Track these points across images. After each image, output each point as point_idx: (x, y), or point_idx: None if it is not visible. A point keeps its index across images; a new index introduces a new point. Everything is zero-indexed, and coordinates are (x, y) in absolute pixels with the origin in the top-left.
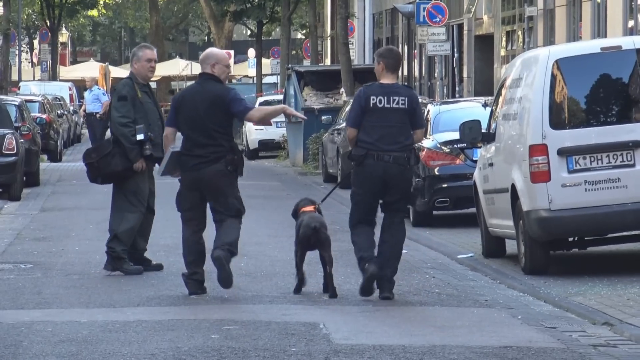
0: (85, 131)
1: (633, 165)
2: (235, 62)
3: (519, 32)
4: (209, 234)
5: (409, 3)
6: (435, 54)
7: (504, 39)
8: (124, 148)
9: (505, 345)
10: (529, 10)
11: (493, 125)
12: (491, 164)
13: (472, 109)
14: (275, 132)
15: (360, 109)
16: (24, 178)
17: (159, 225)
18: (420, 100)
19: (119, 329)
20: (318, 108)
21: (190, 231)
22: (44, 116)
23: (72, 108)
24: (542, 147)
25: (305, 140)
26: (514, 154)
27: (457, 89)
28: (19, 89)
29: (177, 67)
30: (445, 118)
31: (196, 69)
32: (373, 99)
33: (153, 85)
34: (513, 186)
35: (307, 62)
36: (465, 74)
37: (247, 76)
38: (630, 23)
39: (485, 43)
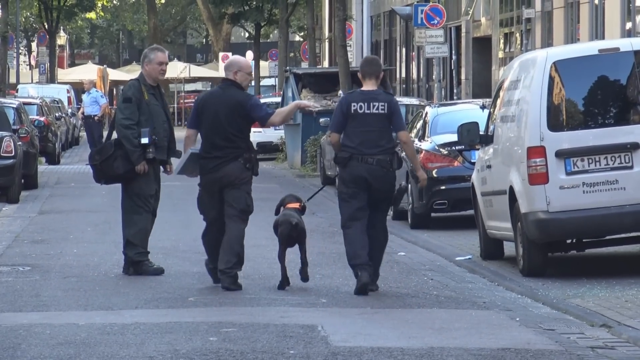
0: (83, 134)
1: (631, 167)
2: None
3: (517, 34)
4: None
5: (407, 5)
6: (433, 56)
7: (501, 41)
8: (126, 150)
9: (503, 347)
10: (526, 12)
11: (491, 128)
12: (489, 166)
13: (470, 111)
14: (273, 134)
15: (342, 115)
16: (22, 181)
17: (157, 228)
18: (418, 102)
19: (117, 331)
20: (316, 110)
21: (211, 234)
22: (42, 119)
23: (70, 110)
24: (540, 149)
25: (304, 143)
26: (512, 156)
27: (455, 91)
28: (17, 91)
29: (176, 70)
30: (444, 120)
31: (194, 71)
32: (354, 106)
33: None
34: (511, 188)
35: (305, 65)
36: (463, 76)
37: None
38: (628, 25)
39: (483, 45)
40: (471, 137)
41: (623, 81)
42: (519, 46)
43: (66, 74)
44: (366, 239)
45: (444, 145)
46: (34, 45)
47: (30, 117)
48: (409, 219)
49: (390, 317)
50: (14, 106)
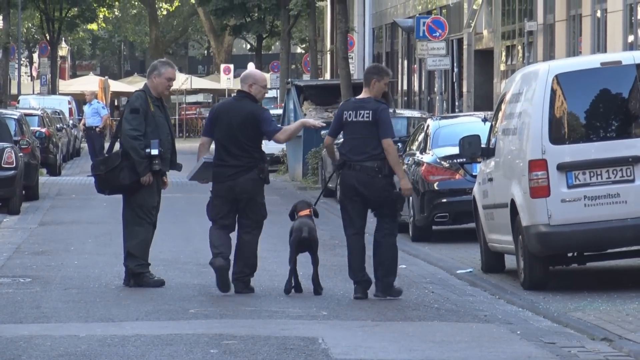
0: (84, 145)
1: (633, 181)
2: (235, 77)
3: (519, 47)
4: None
5: (409, 17)
6: (434, 68)
7: (503, 53)
8: (133, 161)
9: None
10: (528, 25)
11: (493, 140)
12: (490, 179)
13: (472, 123)
14: (275, 146)
15: (337, 121)
16: (23, 192)
17: (158, 240)
18: (420, 115)
19: (118, 343)
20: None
21: (217, 230)
22: (43, 130)
23: (71, 122)
24: (542, 162)
25: (305, 155)
26: (513, 169)
27: (456, 103)
28: (18, 102)
29: (177, 82)
30: (445, 133)
31: (195, 83)
32: (345, 114)
33: None
34: (512, 201)
35: (306, 77)
36: (465, 89)
37: None
38: (630, 38)
39: (485, 58)
40: (473, 150)
41: (625, 94)
42: (521, 59)
43: (67, 85)
44: (362, 252)
45: (445, 158)
46: (35, 56)
47: (31, 128)
48: (410, 232)
49: (391, 330)
50: (15, 117)
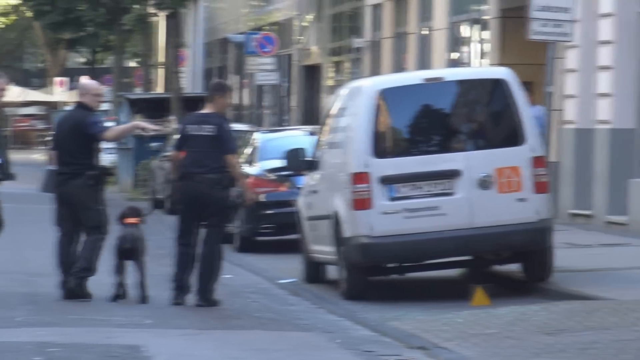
0: None
1: (452, 194)
2: (69, 89)
3: (347, 63)
4: None
5: (241, 33)
6: (263, 83)
7: (331, 69)
8: None
9: None
10: (356, 41)
11: (318, 154)
12: (315, 191)
13: (298, 137)
14: (105, 158)
15: (180, 135)
16: None
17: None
18: (248, 128)
19: None
20: (148, 135)
21: (63, 247)
22: None
23: None
24: (364, 175)
25: (136, 166)
26: (337, 182)
27: (285, 117)
28: None
29: (12, 94)
30: (272, 146)
31: (30, 95)
32: (188, 127)
33: None
34: (336, 213)
35: (138, 90)
36: (293, 103)
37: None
38: (454, 55)
39: (313, 73)
40: (297, 162)
41: (447, 110)
42: (348, 75)
43: None
44: (188, 261)
45: (271, 171)
46: None
47: None
48: (236, 242)
49: (212, 338)
50: None
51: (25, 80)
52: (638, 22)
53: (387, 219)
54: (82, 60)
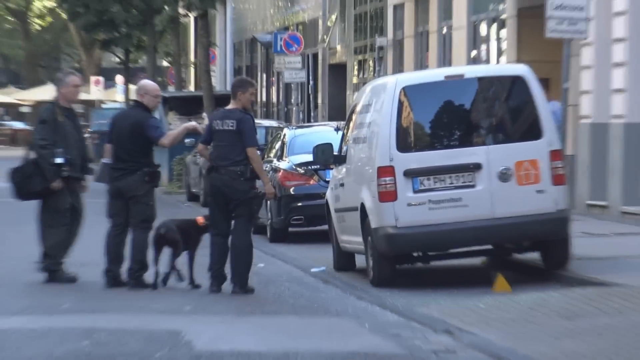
0: None
1: (473, 186)
2: (105, 88)
3: (370, 61)
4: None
5: (268, 33)
6: (291, 81)
7: (356, 67)
8: (42, 169)
9: (353, 351)
10: (379, 40)
11: (344, 148)
12: (342, 185)
13: (325, 132)
14: None
15: (208, 130)
16: None
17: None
18: (277, 124)
19: None
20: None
21: (112, 238)
22: None
23: None
24: (390, 169)
25: (170, 162)
26: (363, 175)
27: (312, 114)
28: None
29: (50, 93)
30: (300, 141)
31: None
32: (214, 123)
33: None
34: (362, 205)
35: (171, 88)
36: (320, 100)
37: (116, 101)
38: (473, 53)
39: (338, 71)
40: (325, 157)
41: (467, 106)
42: (372, 72)
43: None
44: (222, 250)
45: (300, 165)
46: None
47: None
48: (268, 234)
49: (249, 324)
50: None
51: None
52: None
53: (411, 211)
54: (117, 59)
